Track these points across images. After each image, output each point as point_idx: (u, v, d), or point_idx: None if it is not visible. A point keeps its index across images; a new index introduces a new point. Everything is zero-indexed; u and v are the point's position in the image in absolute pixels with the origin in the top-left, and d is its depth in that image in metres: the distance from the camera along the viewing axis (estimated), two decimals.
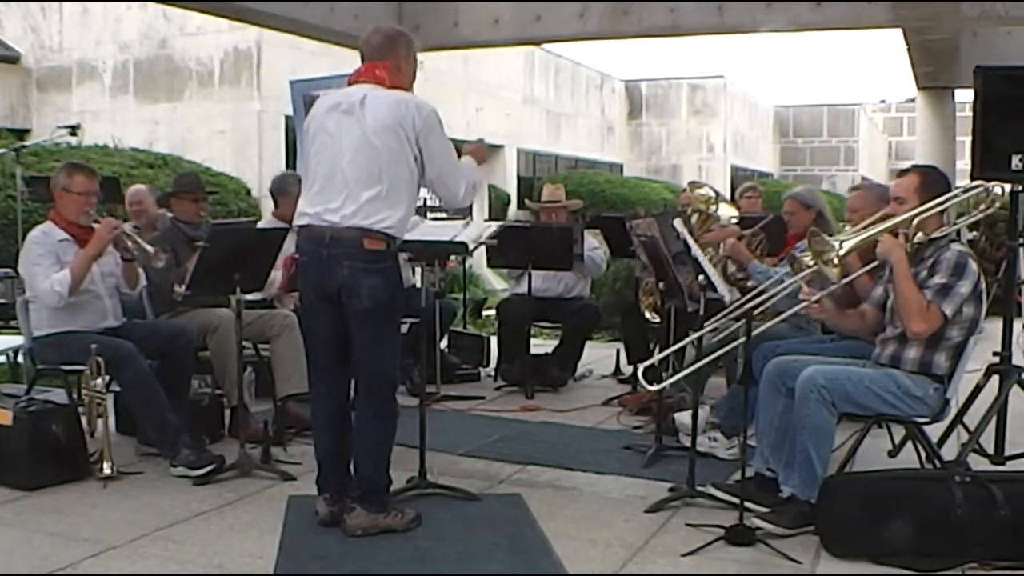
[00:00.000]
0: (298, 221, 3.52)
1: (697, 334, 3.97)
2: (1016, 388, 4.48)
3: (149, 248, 4.35)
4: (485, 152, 3.94)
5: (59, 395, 4.52)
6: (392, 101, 3.40)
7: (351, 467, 3.55)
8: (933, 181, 3.64)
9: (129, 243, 4.37)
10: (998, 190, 3.72)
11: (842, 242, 3.53)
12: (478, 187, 3.70)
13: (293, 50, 12.73)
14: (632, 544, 3.40)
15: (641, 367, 3.90)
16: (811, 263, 3.62)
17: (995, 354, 4.52)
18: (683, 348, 5.18)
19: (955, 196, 3.66)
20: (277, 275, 5.07)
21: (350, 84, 3.55)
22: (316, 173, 3.47)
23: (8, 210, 8.67)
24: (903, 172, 3.76)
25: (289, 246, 4.90)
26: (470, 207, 8.48)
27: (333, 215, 3.37)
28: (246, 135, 14.54)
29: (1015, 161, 4.31)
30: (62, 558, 3.19)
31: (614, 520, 3.66)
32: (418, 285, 4.48)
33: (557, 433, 5.09)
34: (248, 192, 11.89)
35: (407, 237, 3.61)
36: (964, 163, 5.43)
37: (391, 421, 3.53)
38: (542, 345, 6.89)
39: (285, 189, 5.65)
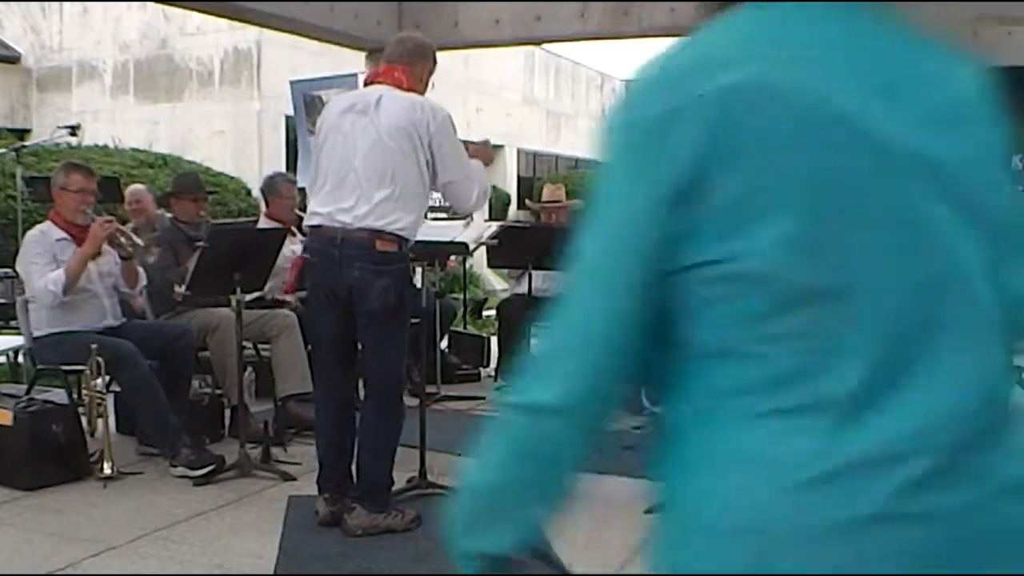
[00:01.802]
0: (309, 221, 3.53)
1: None
2: (1016, 388, 4.48)
3: (140, 241, 4.38)
4: (491, 153, 3.95)
5: (59, 395, 4.52)
6: (408, 104, 3.41)
7: (353, 467, 3.56)
8: None
9: (122, 239, 4.38)
10: None
11: None
12: (487, 193, 3.71)
13: (293, 50, 12.72)
14: (632, 544, 3.39)
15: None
16: None
17: None
18: None
19: None
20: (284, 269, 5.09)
21: (367, 83, 3.58)
22: (327, 172, 3.47)
23: (8, 210, 8.66)
24: None
25: (296, 247, 4.90)
26: None
27: (345, 215, 3.37)
28: (246, 135, 14.54)
29: (1015, 161, 4.32)
30: (62, 558, 3.19)
31: (614, 520, 3.65)
32: (418, 285, 4.48)
33: None
34: (248, 192, 11.86)
35: None
36: None
37: (397, 422, 3.54)
38: None
39: (275, 189, 5.65)
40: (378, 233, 3.35)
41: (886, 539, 0.88)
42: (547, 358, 0.99)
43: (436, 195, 3.84)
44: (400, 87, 3.49)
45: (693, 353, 0.96)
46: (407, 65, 3.54)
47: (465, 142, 3.60)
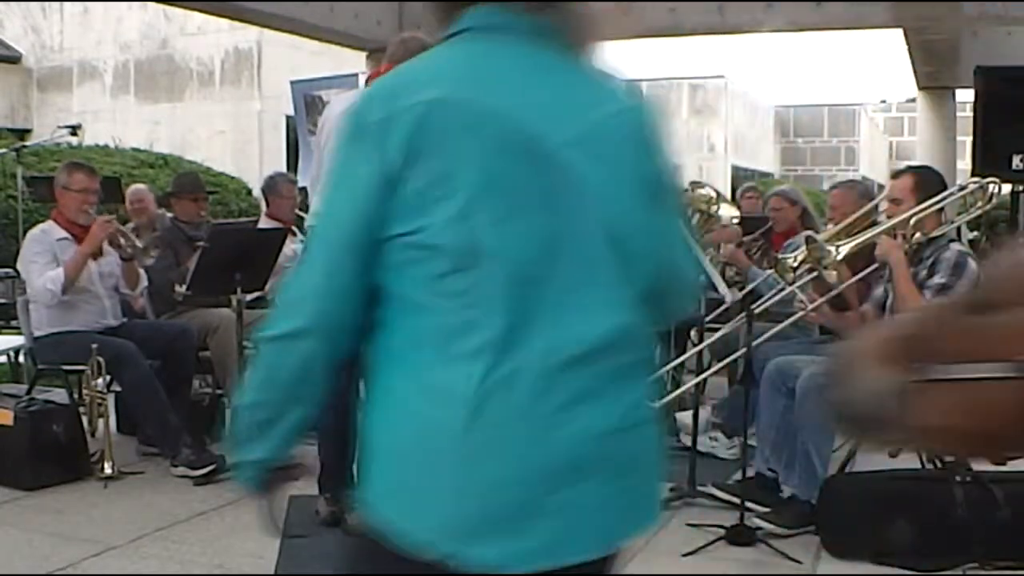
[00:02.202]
0: (311, 222, 3.53)
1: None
2: None
3: (139, 243, 4.38)
4: None
5: (59, 395, 4.52)
6: None
7: (353, 467, 3.56)
8: (929, 180, 3.64)
9: (122, 240, 4.38)
10: (993, 187, 3.72)
11: (839, 247, 3.54)
12: None
13: (293, 50, 12.72)
14: (632, 544, 3.39)
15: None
16: (794, 264, 3.65)
17: None
18: (684, 347, 5.19)
19: (952, 194, 3.67)
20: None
21: (369, 84, 3.58)
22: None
23: (9, 210, 8.65)
24: (898, 173, 3.78)
25: (297, 247, 4.89)
26: None
27: None
28: (246, 135, 14.54)
29: (1015, 161, 4.32)
30: (62, 558, 3.19)
31: None
32: None
33: None
34: (249, 192, 11.85)
35: None
36: (964, 163, 5.43)
37: None
38: None
39: (275, 189, 5.64)
40: None
41: (538, 450, 1.19)
42: (288, 301, 1.29)
43: None
44: None
45: (396, 305, 1.24)
46: None
47: None
